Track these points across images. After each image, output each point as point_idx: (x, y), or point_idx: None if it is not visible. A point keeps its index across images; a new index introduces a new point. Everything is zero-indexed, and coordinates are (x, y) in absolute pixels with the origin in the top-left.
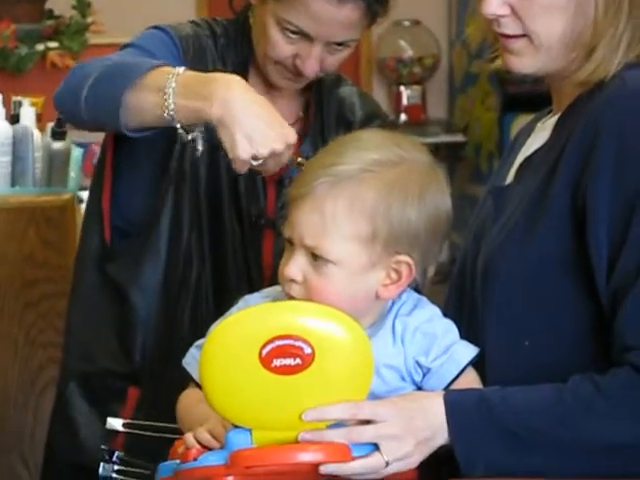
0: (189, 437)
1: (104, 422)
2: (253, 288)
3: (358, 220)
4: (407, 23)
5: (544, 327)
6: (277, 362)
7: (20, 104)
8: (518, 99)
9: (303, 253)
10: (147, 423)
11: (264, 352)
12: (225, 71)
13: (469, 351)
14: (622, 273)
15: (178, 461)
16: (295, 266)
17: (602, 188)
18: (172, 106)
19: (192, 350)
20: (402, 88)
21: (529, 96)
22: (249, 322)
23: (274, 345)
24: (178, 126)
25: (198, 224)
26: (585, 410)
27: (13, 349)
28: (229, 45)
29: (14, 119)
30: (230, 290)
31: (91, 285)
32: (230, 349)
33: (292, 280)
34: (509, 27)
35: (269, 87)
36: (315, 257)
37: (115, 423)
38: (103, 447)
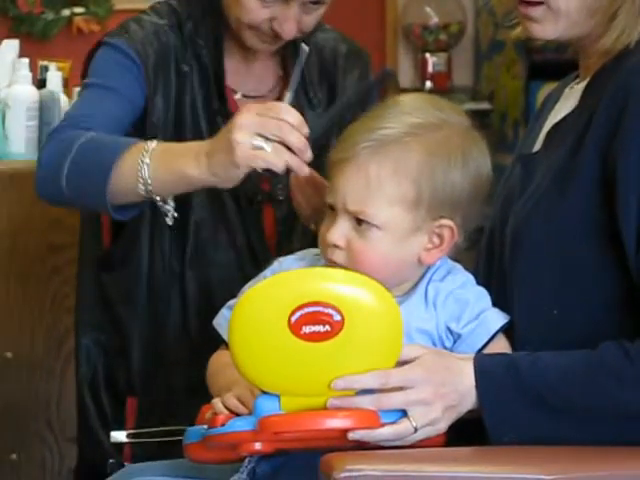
0: (217, 403)
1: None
2: (259, 262)
3: (403, 184)
4: None
5: (573, 295)
6: (306, 329)
7: (47, 69)
8: (544, 67)
9: (346, 218)
10: (151, 430)
11: (293, 319)
12: (198, 57)
13: (500, 318)
14: None
15: (206, 426)
16: (338, 231)
17: (632, 154)
18: (149, 181)
19: (223, 310)
20: (427, 55)
21: (555, 64)
22: (278, 288)
23: (303, 312)
24: (157, 199)
25: (180, 223)
26: (614, 376)
27: (39, 314)
28: (197, 23)
29: (41, 84)
30: (229, 274)
31: (92, 297)
32: (259, 315)
33: (335, 245)
34: None
35: (245, 51)
36: (359, 222)
37: (119, 436)
38: (111, 461)
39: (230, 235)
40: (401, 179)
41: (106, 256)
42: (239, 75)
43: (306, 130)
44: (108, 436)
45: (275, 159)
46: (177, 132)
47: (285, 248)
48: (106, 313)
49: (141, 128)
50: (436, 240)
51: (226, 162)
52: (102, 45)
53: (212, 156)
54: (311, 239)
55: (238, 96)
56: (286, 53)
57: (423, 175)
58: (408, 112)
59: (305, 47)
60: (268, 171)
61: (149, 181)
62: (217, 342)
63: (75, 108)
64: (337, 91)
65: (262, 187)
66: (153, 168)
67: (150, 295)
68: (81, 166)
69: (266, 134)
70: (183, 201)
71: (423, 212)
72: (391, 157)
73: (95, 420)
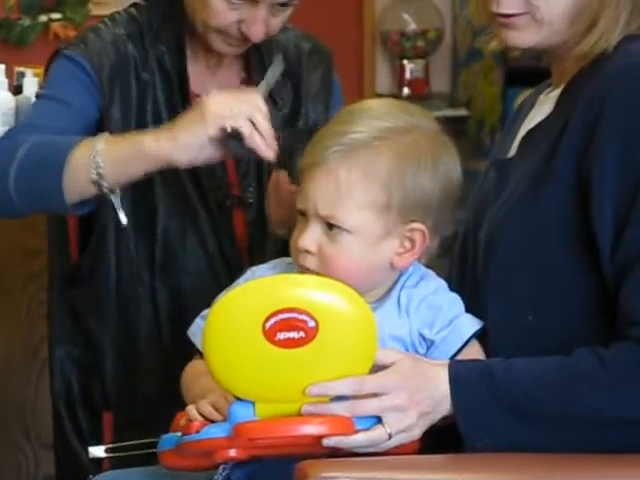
0: (191, 410)
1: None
2: (230, 267)
3: (373, 188)
4: None
5: (547, 301)
6: (281, 335)
7: (23, 75)
8: (521, 74)
9: (317, 223)
10: (129, 444)
11: (267, 325)
12: (160, 62)
13: (473, 324)
14: (627, 247)
15: (180, 433)
16: (309, 237)
17: (608, 160)
18: (102, 171)
19: (197, 320)
20: (405, 62)
21: (532, 71)
22: (252, 295)
23: (278, 318)
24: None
25: (142, 233)
26: (588, 383)
27: (16, 321)
28: (158, 29)
29: (17, 90)
30: (201, 280)
31: (62, 310)
32: (233, 322)
33: (307, 251)
34: (510, 6)
35: (209, 56)
36: (330, 227)
37: (97, 451)
38: (91, 477)
39: (200, 241)
40: (371, 183)
41: (74, 270)
42: (203, 80)
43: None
44: (85, 449)
45: (245, 125)
46: None
47: (257, 252)
48: (77, 326)
49: None
50: (407, 244)
51: (193, 124)
52: (59, 56)
53: (176, 124)
54: (282, 242)
55: None
56: (249, 56)
57: (393, 179)
58: (377, 116)
59: (280, 56)
60: (236, 156)
61: (100, 163)
62: (191, 350)
63: (26, 117)
64: (302, 90)
65: (231, 191)
66: (106, 148)
67: (120, 307)
68: (31, 167)
69: (238, 111)
70: (149, 208)
71: (394, 216)
72: (361, 161)
73: (71, 433)
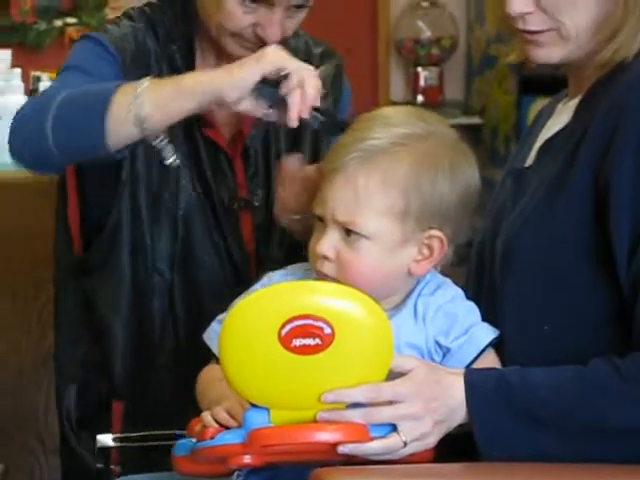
0: (206, 416)
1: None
2: (238, 269)
3: (391, 194)
4: (425, 4)
5: (563, 311)
6: (296, 342)
7: (39, 79)
8: (536, 82)
9: (335, 229)
10: (137, 434)
11: (283, 332)
12: (171, 61)
13: (489, 333)
14: None
15: (194, 439)
16: (327, 243)
17: (625, 171)
18: (145, 113)
19: (214, 324)
20: (419, 69)
21: (547, 79)
22: (268, 301)
23: (294, 325)
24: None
25: (160, 226)
26: (604, 393)
27: (27, 328)
28: (171, 28)
29: (33, 94)
30: (213, 279)
31: (70, 303)
32: (249, 328)
33: (324, 257)
34: (535, 23)
35: (219, 57)
36: (348, 233)
37: (105, 439)
38: (99, 466)
39: (211, 240)
40: (389, 189)
41: (82, 262)
42: None
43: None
44: (89, 455)
45: (295, 76)
46: None
47: (263, 255)
48: (86, 318)
49: None
50: (425, 251)
51: (248, 62)
52: (82, 39)
53: (230, 65)
54: (288, 246)
55: None
56: None
57: (411, 185)
58: (396, 123)
59: (332, 62)
60: (265, 114)
61: (145, 104)
62: (205, 345)
63: (49, 87)
64: None
65: (239, 193)
66: (151, 87)
67: (134, 298)
68: (70, 110)
69: (296, 64)
70: (170, 201)
71: (412, 223)
72: (379, 167)
73: (73, 438)
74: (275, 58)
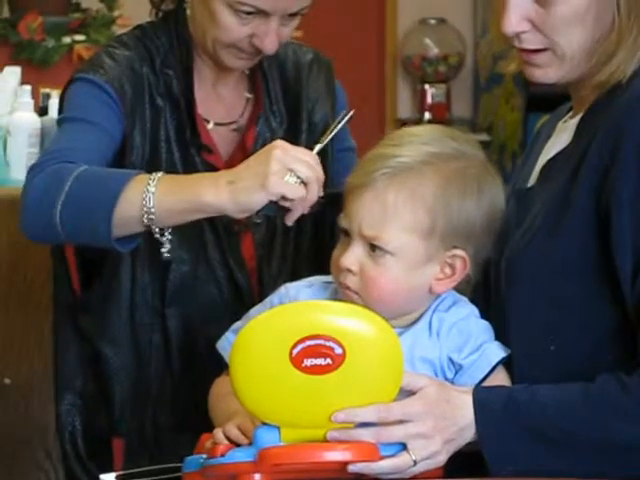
0: (218, 432)
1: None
2: (239, 287)
3: (418, 212)
4: (433, 21)
5: (569, 330)
6: (307, 362)
7: (49, 96)
8: (543, 99)
9: (360, 244)
10: (140, 470)
11: (295, 352)
12: (169, 87)
13: (501, 351)
14: None
15: (205, 456)
16: (352, 256)
17: (626, 192)
18: (152, 211)
19: (228, 334)
20: (427, 86)
21: (554, 97)
22: (280, 321)
23: (305, 345)
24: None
25: (159, 260)
26: (611, 410)
27: (38, 342)
28: (166, 54)
29: (42, 111)
30: (210, 305)
31: (69, 337)
32: (260, 348)
33: (348, 270)
34: (531, 42)
35: (215, 78)
36: (373, 248)
37: (108, 478)
38: None
39: (210, 268)
40: (416, 207)
41: (82, 299)
42: (210, 103)
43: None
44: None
45: (299, 193)
46: (152, 165)
47: (265, 271)
48: (85, 354)
49: (119, 165)
50: (448, 270)
51: (254, 188)
52: (77, 80)
53: (237, 183)
54: (289, 262)
55: (210, 125)
56: (254, 77)
57: (438, 204)
58: (425, 142)
59: (344, 112)
60: (275, 203)
61: (152, 210)
62: (200, 377)
63: (55, 143)
64: (302, 101)
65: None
66: (159, 196)
67: (133, 334)
68: (79, 199)
69: (298, 173)
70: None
71: (436, 241)
72: (408, 185)
73: (78, 468)
74: (278, 187)
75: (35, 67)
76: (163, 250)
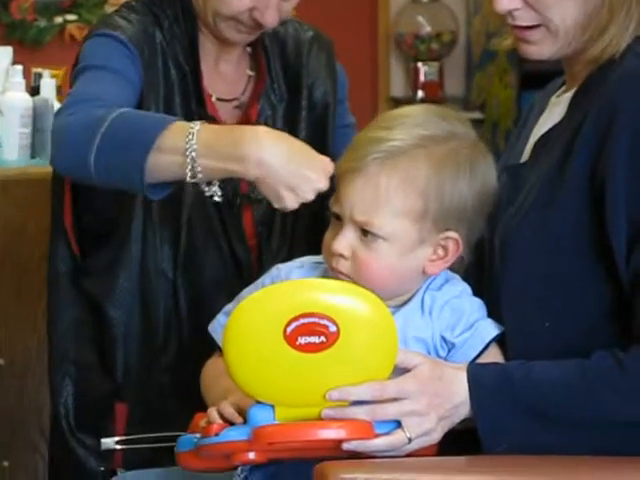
0: (212, 412)
1: (97, 442)
2: (240, 264)
3: (411, 196)
4: None
5: (563, 307)
6: (302, 340)
7: (40, 76)
8: (536, 76)
9: (352, 228)
10: (141, 436)
11: (289, 330)
12: (175, 59)
13: (494, 328)
14: None
15: (199, 435)
16: (344, 241)
17: (620, 168)
18: (198, 168)
19: (219, 317)
20: (420, 64)
21: (547, 74)
22: (274, 299)
23: (299, 323)
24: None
25: (171, 225)
26: (607, 386)
27: (32, 324)
28: (172, 23)
29: (34, 91)
30: (216, 277)
31: (67, 303)
32: (254, 326)
33: (340, 255)
34: (524, 19)
35: (218, 53)
36: (365, 233)
37: (109, 442)
38: (102, 469)
39: (214, 240)
40: (409, 191)
41: (89, 262)
42: (212, 80)
43: None
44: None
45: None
46: None
47: (265, 249)
48: (83, 326)
49: None
50: (441, 252)
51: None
52: (95, 36)
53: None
54: (288, 239)
55: (213, 99)
56: (256, 54)
57: (431, 188)
58: (416, 124)
59: None
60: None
61: (198, 168)
62: (208, 346)
63: (81, 88)
64: (302, 78)
65: (240, 188)
66: (201, 152)
67: (142, 299)
68: (115, 141)
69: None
70: (175, 204)
71: (429, 224)
72: (400, 169)
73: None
74: (292, 205)
75: (27, 47)
76: (215, 198)
